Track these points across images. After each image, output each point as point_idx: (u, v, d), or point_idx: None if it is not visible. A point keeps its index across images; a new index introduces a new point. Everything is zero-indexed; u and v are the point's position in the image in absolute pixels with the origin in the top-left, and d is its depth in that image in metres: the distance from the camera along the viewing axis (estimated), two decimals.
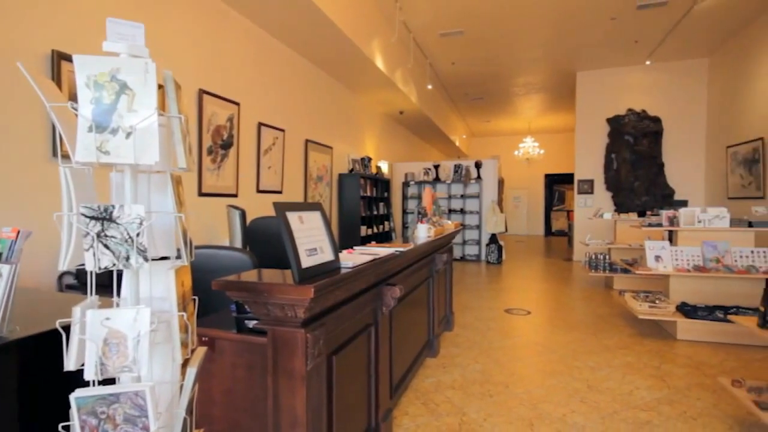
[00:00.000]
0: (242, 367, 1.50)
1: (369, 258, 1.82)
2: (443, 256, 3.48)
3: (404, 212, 9.66)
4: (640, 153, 8.26)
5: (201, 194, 4.09)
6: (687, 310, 3.74)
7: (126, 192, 0.93)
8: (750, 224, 3.88)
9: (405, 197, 9.72)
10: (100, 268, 0.88)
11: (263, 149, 5.01)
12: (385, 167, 9.06)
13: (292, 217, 1.41)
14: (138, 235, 0.89)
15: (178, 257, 1.05)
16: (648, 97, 8.40)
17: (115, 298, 0.96)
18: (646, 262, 4.00)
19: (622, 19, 6.40)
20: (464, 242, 9.31)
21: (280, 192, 5.38)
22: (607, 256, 5.87)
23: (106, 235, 0.88)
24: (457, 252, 9.29)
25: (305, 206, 1.54)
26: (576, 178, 8.97)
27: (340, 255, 1.83)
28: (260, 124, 4.94)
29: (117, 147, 0.88)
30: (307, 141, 6.01)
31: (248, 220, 3.48)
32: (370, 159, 7.96)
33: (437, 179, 9.46)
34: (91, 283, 0.91)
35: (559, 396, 2.68)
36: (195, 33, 4.05)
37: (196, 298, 1.14)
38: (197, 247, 2.23)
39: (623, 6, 5.98)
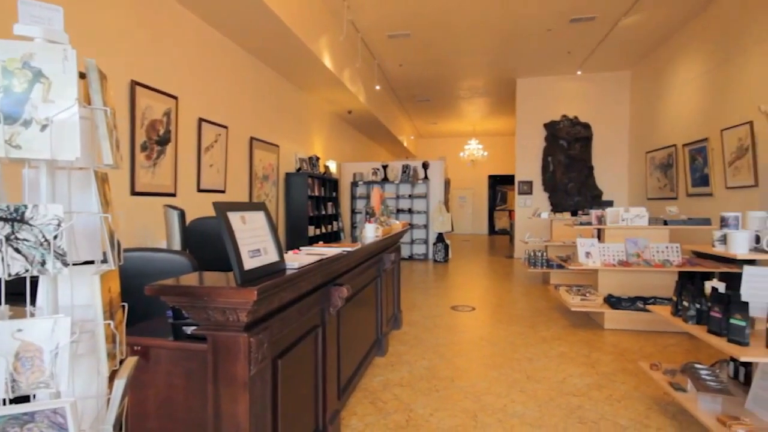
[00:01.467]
0: (180, 376, 1.42)
1: (316, 258, 1.80)
2: (391, 256, 3.52)
3: (353, 212, 9.64)
4: (573, 156, 8.86)
5: (134, 193, 3.82)
6: (613, 301, 4.07)
7: (41, 190, 0.85)
8: (665, 222, 4.29)
9: (354, 197, 9.71)
10: (10, 275, 0.79)
11: (204, 146, 4.77)
12: (333, 167, 8.99)
13: (234, 217, 1.36)
14: (56, 237, 0.81)
15: (104, 261, 0.97)
16: (579, 105, 9.03)
17: (29, 308, 0.87)
18: (578, 258, 4.30)
19: (557, 31, 6.83)
20: (412, 241, 9.48)
21: (223, 191, 5.16)
22: (544, 253, 6.24)
23: (17, 238, 0.80)
24: (405, 251, 9.42)
25: (248, 206, 1.49)
26: (516, 180, 9.44)
27: (286, 256, 1.79)
28: (201, 120, 4.70)
29: (30, 140, 0.80)
30: (252, 139, 5.82)
31: (188, 220, 3.30)
32: (318, 158, 7.86)
33: (386, 179, 9.55)
34: None
35: (501, 387, 2.80)
36: (128, 21, 3.78)
37: (126, 305, 1.06)
38: (131, 250, 2.08)
39: (558, 19, 6.38)
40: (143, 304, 1.48)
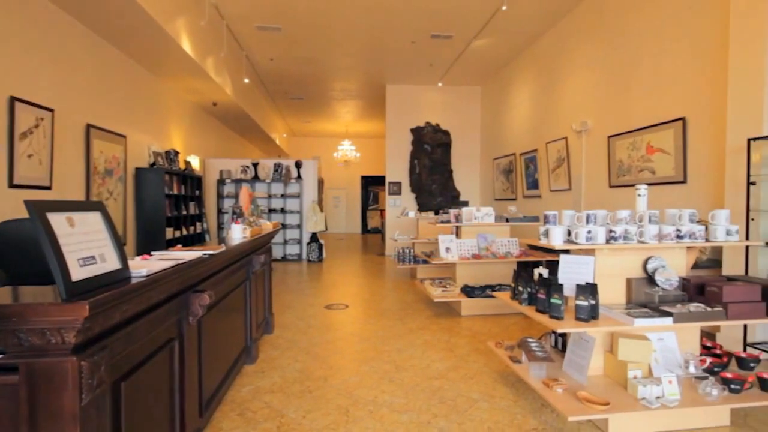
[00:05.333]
0: None
1: (170, 264, 1.61)
2: (261, 257, 3.37)
3: (219, 212, 8.95)
4: (435, 160, 9.71)
5: None
6: (468, 290, 4.58)
7: None
8: (507, 220, 5.01)
9: (220, 196, 9.02)
10: None
11: (19, 132, 3.88)
12: (196, 163, 8.19)
13: (57, 219, 1.13)
14: None
15: None
16: (441, 113, 9.94)
17: None
18: (440, 254, 4.73)
19: (420, 44, 7.40)
20: (285, 242, 9.23)
21: (48, 188, 4.27)
22: (412, 250, 6.69)
23: None
24: (278, 252, 9.12)
25: (78, 205, 1.26)
26: (387, 181, 9.94)
27: (132, 262, 1.56)
28: (14, 99, 3.80)
29: None
30: (89, 126, 4.93)
31: None
32: (177, 153, 7.07)
33: (256, 178, 9.10)
34: None
35: (372, 380, 2.91)
36: None
37: None
38: None
39: (421, 32, 6.91)
40: None
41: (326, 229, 9.57)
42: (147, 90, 6.43)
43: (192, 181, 7.56)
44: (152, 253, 1.95)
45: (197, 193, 7.84)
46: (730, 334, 3.29)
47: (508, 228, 5.07)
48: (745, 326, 3.17)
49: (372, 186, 17.71)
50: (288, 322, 4.31)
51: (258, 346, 3.38)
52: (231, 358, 2.71)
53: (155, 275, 1.43)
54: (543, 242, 2.50)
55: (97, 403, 1.18)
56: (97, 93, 5.13)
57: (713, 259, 3.69)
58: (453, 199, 9.59)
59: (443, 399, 2.62)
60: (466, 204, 6.44)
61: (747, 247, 3.20)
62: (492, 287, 4.63)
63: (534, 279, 2.70)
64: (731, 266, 3.38)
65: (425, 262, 6.25)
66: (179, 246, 2.44)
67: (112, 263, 1.29)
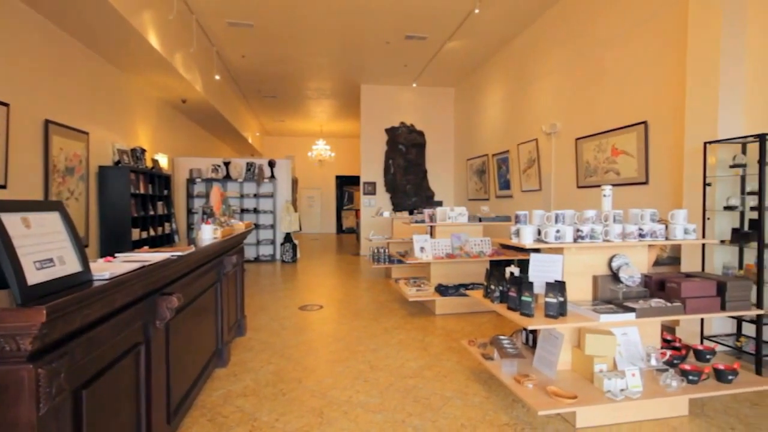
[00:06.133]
0: None
1: (136, 266, 1.56)
2: (233, 258, 3.30)
3: (189, 212, 8.70)
4: (410, 160, 9.76)
5: None
6: (442, 289, 4.63)
7: None
8: (480, 220, 5.10)
9: (190, 196, 8.76)
10: None
11: None
12: (164, 161, 7.93)
13: (12, 219, 1.07)
14: None
15: None
16: (415, 114, 10.01)
17: None
18: (414, 253, 4.76)
19: (395, 45, 7.43)
20: (258, 242, 9.07)
21: (3, 186, 4.03)
22: (387, 250, 6.70)
23: None
24: (251, 253, 8.96)
25: (35, 205, 1.20)
26: (362, 181, 9.92)
27: (95, 265, 1.50)
28: None
29: None
30: (48, 122, 4.69)
31: None
32: (144, 150, 6.82)
33: (228, 177, 8.90)
34: None
35: (346, 380, 2.90)
36: None
37: None
38: None
39: (395, 33, 6.94)
40: None
41: (300, 230, 9.47)
42: (111, 85, 6.18)
43: (160, 180, 7.32)
44: (116, 254, 1.88)
45: (165, 192, 7.59)
46: (688, 327, 3.46)
47: (481, 228, 5.15)
48: (702, 320, 3.35)
49: (347, 186, 17.64)
50: (261, 324, 4.24)
51: (230, 349, 3.31)
52: (201, 362, 2.64)
53: (119, 278, 1.38)
54: (514, 241, 2.56)
55: (56, 412, 1.12)
56: (56, 87, 4.89)
57: (673, 257, 3.87)
58: (427, 199, 9.68)
59: (417, 398, 2.64)
60: (440, 204, 6.52)
61: (704, 245, 3.37)
62: (465, 286, 4.69)
63: (506, 277, 2.76)
64: (689, 263, 3.56)
65: (400, 261, 6.27)
66: (146, 247, 2.36)
67: (72, 266, 1.24)
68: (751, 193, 3.13)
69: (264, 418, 2.39)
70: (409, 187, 9.74)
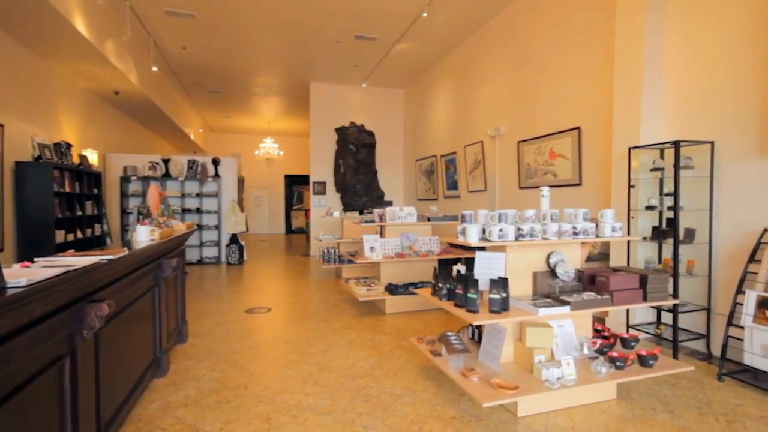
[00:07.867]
0: None
1: (58, 271, 1.42)
2: (173, 261, 3.11)
3: (124, 212, 8.11)
4: (360, 160, 9.76)
5: None
6: (391, 289, 4.67)
7: None
8: (428, 219, 5.20)
9: (125, 195, 8.17)
10: None
11: None
12: (93, 157, 7.33)
13: None
14: None
15: None
16: (365, 114, 10.02)
17: None
18: (364, 253, 4.77)
19: (344, 44, 7.39)
20: (202, 244, 8.65)
21: None
22: (337, 250, 6.64)
23: None
24: (194, 255, 8.53)
25: None
26: (311, 180, 9.78)
27: (9, 270, 1.35)
28: None
29: None
30: None
31: None
32: (69, 145, 6.25)
33: (168, 175, 8.41)
34: None
35: (295, 384, 2.84)
36: None
37: None
38: None
39: (345, 32, 6.90)
40: None
41: (247, 230, 9.15)
42: (30, 73, 5.61)
43: (89, 177, 6.75)
44: (36, 259, 1.71)
45: (96, 191, 7.02)
46: (616, 317, 3.76)
47: (430, 227, 5.27)
48: (627, 310, 3.65)
49: (296, 185, 17.29)
50: (204, 330, 4.04)
51: (169, 358, 3.12)
52: (137, 373, 2.47)
53: (38, 285, 1.26)
54: (461, 240, 2.64)
55: None
56: None
57: (603, 253, 4.19)
58: (378, 199, 9.73)
59: (367, 397, 2.64)
60: (390, 204, 6.57)
61: (629, 242, 3.68)
62: (415, 285, 4.77)
63: (453, 275, 2.83)
64: (617, 258, 3.87)
65: (350, 261, 6.25)
66: (71, 251, 2.17)
67: None
68: (668, 194, 3.46)
69: (207, 429, 2.28)
70: (360, 186, 9.73)
